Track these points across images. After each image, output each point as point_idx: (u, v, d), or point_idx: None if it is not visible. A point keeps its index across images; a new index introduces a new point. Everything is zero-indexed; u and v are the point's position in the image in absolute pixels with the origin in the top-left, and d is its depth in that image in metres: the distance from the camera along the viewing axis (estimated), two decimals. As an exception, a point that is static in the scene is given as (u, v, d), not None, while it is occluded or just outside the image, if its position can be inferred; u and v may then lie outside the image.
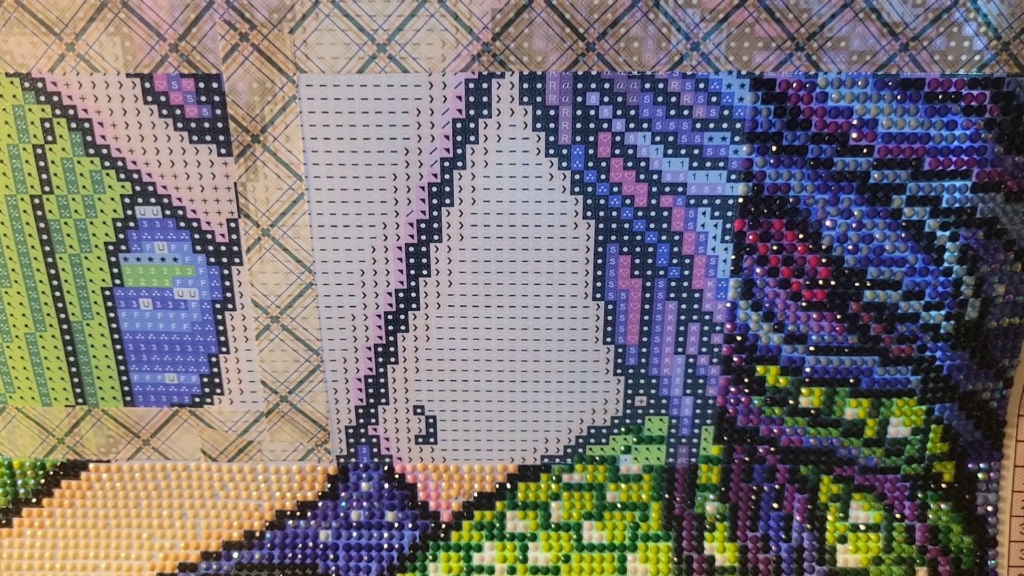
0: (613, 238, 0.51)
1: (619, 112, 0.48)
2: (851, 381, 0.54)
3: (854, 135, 0.48)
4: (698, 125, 0.48)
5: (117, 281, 0.52)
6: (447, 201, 0.50)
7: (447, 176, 0.50)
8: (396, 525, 0.57)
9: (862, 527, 0.57)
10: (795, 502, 0.57)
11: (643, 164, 0.49)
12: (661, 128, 0.48)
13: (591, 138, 0.49)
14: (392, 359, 0.54)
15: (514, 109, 0.48)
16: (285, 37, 0.47)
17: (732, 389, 0.54)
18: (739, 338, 0.53)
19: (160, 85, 0.48)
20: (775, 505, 0.57)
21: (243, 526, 0.57)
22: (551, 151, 0.49)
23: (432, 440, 0.56)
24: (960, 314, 0.51)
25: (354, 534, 0.57)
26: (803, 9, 0.46)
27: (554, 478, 0.57)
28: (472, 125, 0.48)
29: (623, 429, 0.56)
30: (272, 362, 0.54)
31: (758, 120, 0.48)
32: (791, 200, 0.50)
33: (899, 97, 0.47)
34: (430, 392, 0.55)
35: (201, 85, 0.48)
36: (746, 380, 0.54)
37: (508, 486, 0.57)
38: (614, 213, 0.50)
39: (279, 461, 0.57)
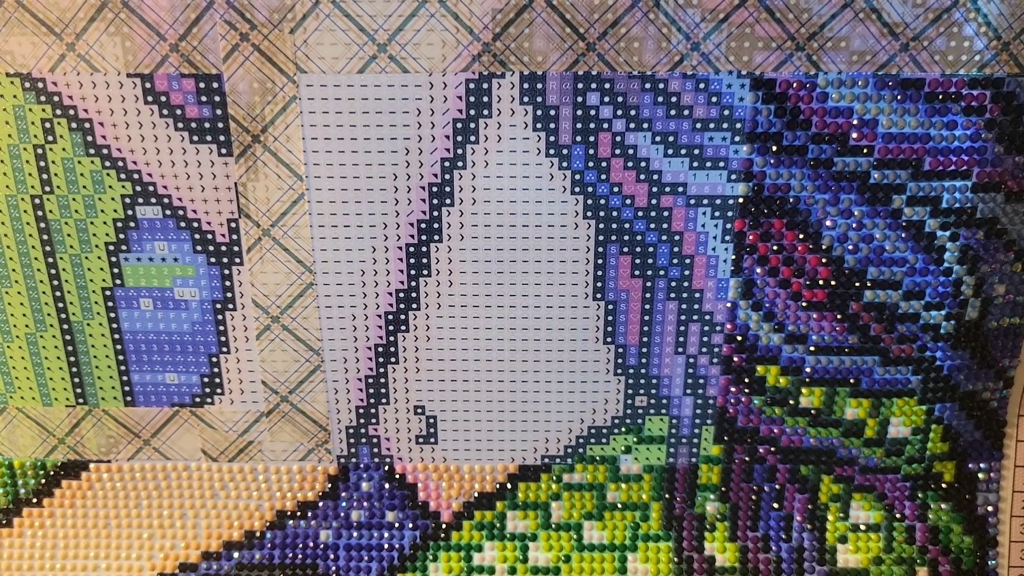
0: (613, 238, 0.51)
1: (619, 112, 0.48)
2: (851, 381, 0.53)
3: (854, 135, 0.48)
4: (698, 125, 0.48)
5: (117, 281, 0.52)
6: (447, 201, 0.50)
7: (447, 176, 0.50)
8: (396, 525, 0.57)
9: (862, 527, 0.57)
10: (795, 502, 0.57)
11: (643, 164, 0.49)
12: (661, 128, 0.48)
13: (591, 138, 0.49)
14: (392, 359, 0.54)
15: (514, 109, 0.48)
16: (285, 37, 0.47)
17: (732, 389, 0.54)
18: (739, 338, 0.53)
19: (160, 85, 0.48)
20: (775, 505, 0.57)
21: (243, 526, 0.57)
22: (551, 151, 0.49)
23: (432, 440, 0.56)
24: (960, 314, 0.51)
25: (354, 534, 0.57)
26: (803, 9, 0.46)
27: (554, 478, 0.57)
28: (472, 125, 0.48)
29: (623, 429, 0.56)
30: (272, 362, 0.54)
31: (758, 120, 0.48)
32: (791, 200, 0.50)
33: (899, 97, 0.47)
34: (430, 392, 0.55)
35: (201, 85, 0.48)
36: (746, 380, 0.54)
37: (508, 486, 0.57)
38: (614, 213, 0.50)
39: (279, 461, 0.57)
